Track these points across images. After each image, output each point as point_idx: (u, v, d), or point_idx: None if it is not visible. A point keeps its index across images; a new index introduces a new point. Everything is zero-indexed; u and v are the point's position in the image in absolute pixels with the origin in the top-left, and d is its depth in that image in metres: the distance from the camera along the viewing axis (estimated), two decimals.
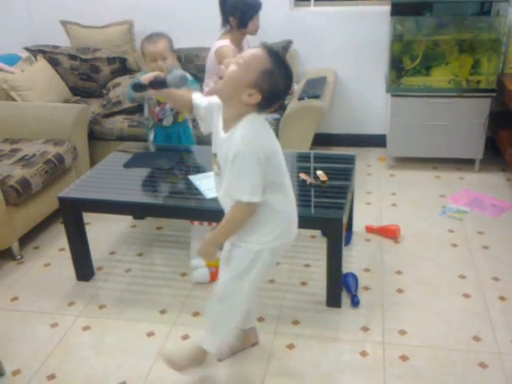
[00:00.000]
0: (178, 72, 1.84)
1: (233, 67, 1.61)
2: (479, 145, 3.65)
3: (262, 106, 1.65)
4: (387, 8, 3.67)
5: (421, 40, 3.67)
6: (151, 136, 3.11)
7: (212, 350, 1.99)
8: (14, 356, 2.23)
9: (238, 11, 3.18)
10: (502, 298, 2.45)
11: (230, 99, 1.65)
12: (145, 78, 1.94)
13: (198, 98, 1.88)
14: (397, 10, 3.54)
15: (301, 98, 3.35)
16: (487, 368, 2.07)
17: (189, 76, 2.10)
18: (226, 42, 3.24)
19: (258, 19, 3.26)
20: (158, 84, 1.88)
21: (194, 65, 3.85)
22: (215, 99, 1.76)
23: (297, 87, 3.66)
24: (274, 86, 1.61)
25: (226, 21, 3.26)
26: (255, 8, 3.21)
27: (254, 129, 1.65)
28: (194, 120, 3.38)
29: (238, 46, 3.36)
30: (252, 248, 1.80)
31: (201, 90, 3.11)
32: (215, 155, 1.77)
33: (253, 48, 1.67)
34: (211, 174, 2.59)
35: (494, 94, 3.52)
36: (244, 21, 3.21)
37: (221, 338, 2.00)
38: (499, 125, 3.72)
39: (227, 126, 1.70)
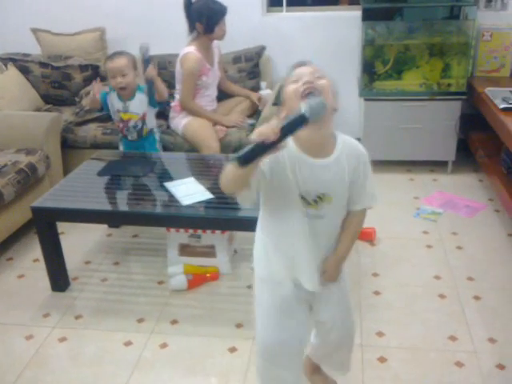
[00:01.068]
0: (314, 100, 1.38)
1: (322, 80, 1.46)
2: (451, 147, 3.71)
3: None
4: (359, 13, 3.70)
5: (392, 44, 3.72)
6: (120, 147, 3.17)
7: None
8: None
9: (204, 17, 3.21)
10: (476, 298, 2.49)
11: (330, 115, 1.47)
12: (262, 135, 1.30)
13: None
14: (368, 15, 3.58)
15: (275, 104, 3.36)
16: (464, 367, 2.10)
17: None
18: (190, 49, 3.27)
19: (224, 24, 3.29)
20: (293, 127, 1.32)
21: (167, 71, 3.83)
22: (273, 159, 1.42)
23: (271, 93, 3.67)
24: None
25: (192, 27, 3.30)
26: (220, 13, 3.25)
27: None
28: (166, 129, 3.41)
29: (207, 51, 3.38)
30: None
31: (167, 97, 3.12)
32: (307, 194, 1.49)
33: (305, 67, 1.51)
34: (187, 180, 2.61)
35: (464, 97, 3.59)
36: (210, 26, 3.23)
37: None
38: (470, 127, 3.79)
39: (321, 150, 1.49)
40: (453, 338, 2.25)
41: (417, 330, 2.31)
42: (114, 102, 3.00)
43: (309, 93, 1.42)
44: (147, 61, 2.90)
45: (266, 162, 1.39)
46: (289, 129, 1.31)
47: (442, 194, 3.50)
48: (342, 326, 1.78)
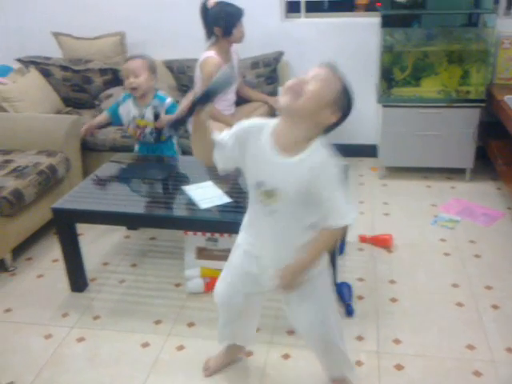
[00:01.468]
0: (225, 73, 1.66)
1: (314, 84, 1.49)
2: (470, 154, 3.69)
3: (331, 128, 1.58)
4: (377, 20, 3.71)
5: (410, 51, 3.72)
6: (136, 148, 3.18)
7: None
8: (7, 368, 2.21)
9: (222, 20, 3.23)
10: (494, 307, 2.47)
11: (307, 119, 1.52)
12: (181, 108, 1.77)
13: (221, 139, 1.69)
14: (387, 22, 3.59)
15: None
16: (481, 376, 2.09)
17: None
18: (211, 54, 3.29)
19: (241, 26, 3.31)
20: (201, 102, 1.66)
21: (186, 76, 3.86)
22: (245, 128, 1.64)
23: None
24: (351, 103, 1.57)
25: (210, 32, 3.32)
26: (237, 15, 3.27)
27: (331, 154, 1.57)
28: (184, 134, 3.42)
29: (226, 55, 3.40)
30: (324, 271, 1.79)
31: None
32: (260, 184, 1.60)
33: (319, 67, 1.54)
34: (205, 184, 2.63)
35: (483, 105, 3.57)
36: (229, 29, 3.26)
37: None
38: (489, 134, 3.77)
39: (289, 149, 1.55)
40: (470, 347, 2.24)
41: (434, 338, 2.30)
42: (131, 109, 3.02)
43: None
44: (157, 116, 2.97)
45: (233, 139, 1.63)
46: (198, 101, 1.64)
47: (460, 201, 3.48)
48: (310, 328, 1.84)
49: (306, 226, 1.63)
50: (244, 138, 1.62)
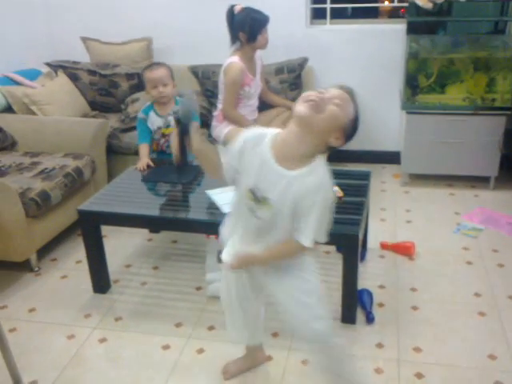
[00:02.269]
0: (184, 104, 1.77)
1: (336, 106, 1.52)
2: (494, 162, 3.66)
3: (329, 150, 1.62)
4: (402, 26, 3.71)
5: (436, 58, 3.70)
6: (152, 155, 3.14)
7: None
8: (31, 367, 2.25)
9: (247, 26, 3.26)
10: None
11: (317, 135, 1.54)
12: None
13: (226, 149, 1.72)
14: (412, 29, 3.58)
15: None
16: None
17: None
18: (235, 59, 3.32)
19: (266, 33, 3.33)
20: (183, 134, 1.83)
21: (210, 81, 3.90)
22: (247, 136, 1.65)
23: None
24: (355, 133, 1.61)
25: (235, 37, 3.35)
26: (263, 22, 3.30)
27: (329, 176, 1.60)
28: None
29: (250, 61, 3.42)
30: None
31: (202, 124, 3.22)
32: (254, 190, 1.62)
33: (340, 90, 1.58)
34: (228, 188, 2.64)
35: (509, 112, 3.53)
36: (253, 35, 3.29)
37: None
38: None
39: (289, 161, 1.57)
40: (492, 357, 2.21)
41: (455, 347, 2.28)
42: (154, 121, 3.05)
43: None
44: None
45: (238, 148, 1.64)
46: (181, 136, 1.80)
47: (484, 210, 3.44)
48: (291, 319, 1.86)
49: (282, 230, 1.65)
50: (245, 145, 1.64)
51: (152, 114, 3.05)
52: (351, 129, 1.59)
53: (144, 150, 3.04)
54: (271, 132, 1.63)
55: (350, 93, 1.59)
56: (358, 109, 1.60)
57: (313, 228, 1.60)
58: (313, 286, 1.80)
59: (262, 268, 1.78)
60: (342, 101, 1.54)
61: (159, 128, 3.05)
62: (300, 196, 1.56)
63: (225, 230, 1.84)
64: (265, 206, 1.61)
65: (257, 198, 1.61)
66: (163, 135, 3.07)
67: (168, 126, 3.03)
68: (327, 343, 1.82)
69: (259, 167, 1.59)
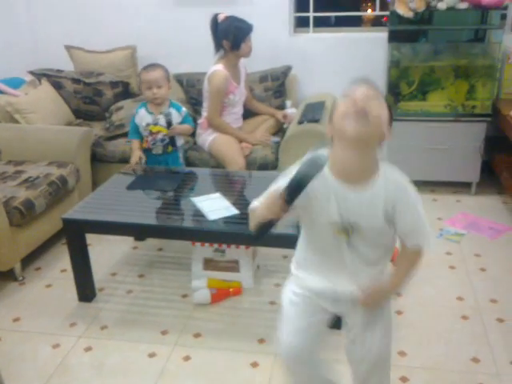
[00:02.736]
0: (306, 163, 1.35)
1: (375, 107, 1.39)
2: (475, 168, 3.71)
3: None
4: (384, 34, 3.76)
5: (417, 66, 3.76)
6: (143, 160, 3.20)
7: None
8: (16, 376, 2.24)
9: (231, 34, 3.30)
10: (499, 320, 2.48)
11: (374, 146, 1.44)
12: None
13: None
14: (394, 37, 3.63)
15: (300, 122, 3.41)
16: None
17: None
18: (219, 67, 3.36)
19: (250, 41, 3.38)
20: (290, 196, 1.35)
21: (195, 89, 3.92)
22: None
23: (295, 111, 3.72)
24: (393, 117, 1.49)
25: (219, 45, 3.39)
26: (246, 30, 3.35)
27: (401, 175, 1.48)
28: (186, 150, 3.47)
29: (234, 69, 3.46)
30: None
31: (194, 123, 3.32)
32: (335, 223, 1.47)
33: (362, 85, 1.44)
34: (213, 195, 2.66)
35: (489, 119, 3.59)
36: (237, 43, 3.32)
37: None
38: (495, 149, 3.79)
39: (356, 179, 1.44)
40: (475, 360, 2.24)
41: (439, 351, 2.31)
42: (143, 117, 3.09)
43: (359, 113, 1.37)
44: (170, 124, 3.09)
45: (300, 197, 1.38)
46: (291, 196, 1.33)
47: (466, 215, 3.49)
48: (376, 359, 1.70)
49: (382, 248, 1.55)
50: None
51: (143, 110, 3.11)
52: (390, 112, 1.47)
53: (135, 144, 3.16)
54: (324, 158, 1.39)
55: (370, 82, 1.46)
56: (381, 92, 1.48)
57: (427, 225, 1.50)
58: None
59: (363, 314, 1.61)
60: (375, 98, 1.41)
61: (148, 125, 3.08)
62: (388, 211, 1.45)
63: (308, 280, 1.63)
64: (354, 232, 1.48)
65: (345, 228, 1.47)
66: (151, 132, 3.09)
67: (156, 124, 3.06)
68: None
69: (334, 199, 1.45)
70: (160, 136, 3.09)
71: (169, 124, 3.08)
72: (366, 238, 1.49)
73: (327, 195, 1.45)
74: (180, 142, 3.21)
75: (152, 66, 3.07)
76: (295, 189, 1.33)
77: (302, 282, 1.65)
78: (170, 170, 3.09)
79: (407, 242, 1.52)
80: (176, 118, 3.11)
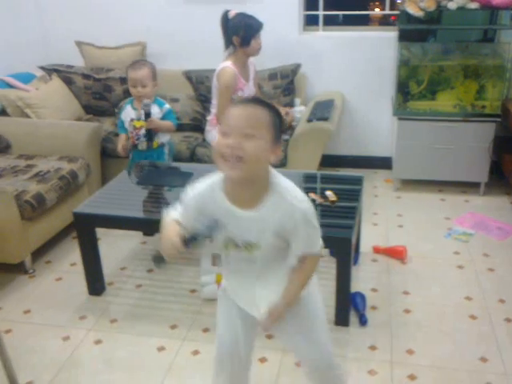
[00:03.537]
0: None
1: (250, 143, 1.36)
2: (484, 168, 3.71)
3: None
4: (393, 34, 3.76)
5: (427, 65, 3.76)
6: (130, 156, 3.22)
7: None
8: (26, 368, 2.26)
9: (241, 31, 3.31)
10: (508, 320, 2.49)
11: (259, 171, 1.44)
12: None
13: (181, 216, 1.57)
14: (403, 36, 3.63)
15: (309, 120, 3.42)
16: None
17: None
18: (228, 64, 3.36)
19: (259, 38, 3.39)
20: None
21: (204, 86, 3.93)
22: (196, 195, 1.54)
23: (304, 109, 3.73)
24: (282, 125, 1.49)
25: (229, 42, 3.40)
26: (256, 27, 3.36)
27: (291, 184, 1.50)
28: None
29: (243, 66, 3.46)
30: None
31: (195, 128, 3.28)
32: (231, 240, 1.52)
33: (238, 108, 1.41)
34: None
35: (498, 119, 3.59)
36: (247, 39, 3.33)
37: None
38: (504, 149, 3.78)
39: (249, 202, 1.46)
40: (483, 360, 2.25)
41: (447, 350, 2.32)
42: (128, 112, 3.11)
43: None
44: (148, 115, 3.03)
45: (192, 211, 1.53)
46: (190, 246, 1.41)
47: (474, 215, 3.50)
48: (308, 355, 1.74)
49: (285, 258, 1.57)
50: (200, 203, 1.53)
51: (128, 106, 3.13)
52: (278, 127, 1.44)
53: (122, 136, 3.17)
54: (216, 180, 1.50)
55: (248, 101, 1.47)
56: (269, 107, 1.44)
57: (310, 237, 1.52)
58: (320, 305, 1.76)
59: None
60: (256, 120, 1.39)
61: (131, 120, 3.10)
62: (280, 226, 1.47)
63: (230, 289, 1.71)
64: (253, 249, 1.51)
65: (239, 246, 1.52)
66: (134, 127, 3.10)
67: (139, 119, 3.07)
68: (336, 364, 1.79)
69: (226, 218, 1.47)
70: (142, 131, 3.09)
71: (147, 115, 3.02)
72: (266, 253, 1.52)
73: (221, 216, 1.47)
74: (165, 138, 3.19)
75: (138, 64, 3.07)
76: (194, 242, 1.42)
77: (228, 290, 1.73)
78: (179, 166, 3.10)
79: (298, 251, 1.54)
80: (156, 112, 3.08)
